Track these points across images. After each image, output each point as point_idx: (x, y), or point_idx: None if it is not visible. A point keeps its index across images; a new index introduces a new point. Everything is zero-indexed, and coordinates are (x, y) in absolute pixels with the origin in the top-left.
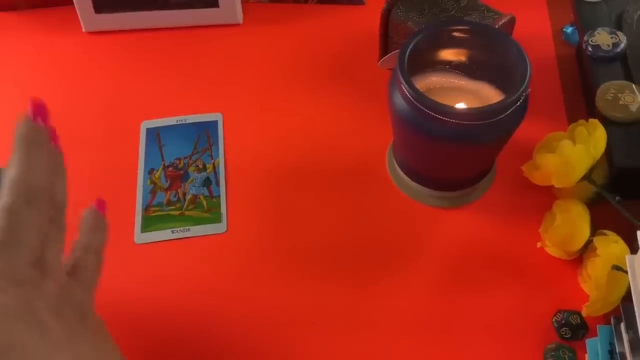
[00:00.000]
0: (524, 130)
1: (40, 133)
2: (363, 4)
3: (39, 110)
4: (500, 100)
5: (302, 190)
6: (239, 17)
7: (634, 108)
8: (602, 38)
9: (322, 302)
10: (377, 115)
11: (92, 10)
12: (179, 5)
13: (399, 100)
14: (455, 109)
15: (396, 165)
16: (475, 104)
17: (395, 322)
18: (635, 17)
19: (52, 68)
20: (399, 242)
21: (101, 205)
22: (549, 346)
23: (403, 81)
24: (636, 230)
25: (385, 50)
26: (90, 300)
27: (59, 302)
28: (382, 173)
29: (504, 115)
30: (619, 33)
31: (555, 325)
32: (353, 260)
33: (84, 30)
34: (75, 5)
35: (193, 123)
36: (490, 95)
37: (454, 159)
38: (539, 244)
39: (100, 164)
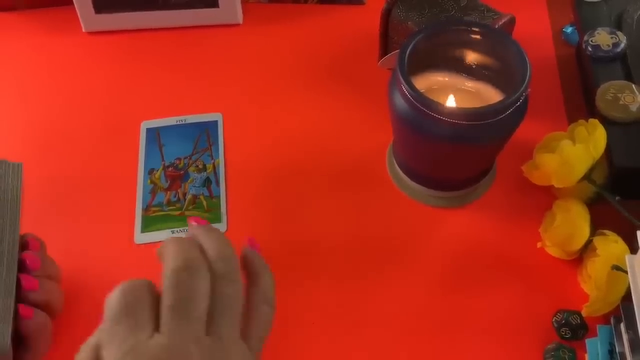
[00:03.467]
0: (524, 130)
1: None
2: (363, 4)
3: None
4: (500, 100)
5: (301, 190)
6: (239, 17)
7: (634, 108)
8: (602, 38)
9: (321, 301)
10: (377, 115)
11: (92, 10)
12: (179, 5)
13: (399, 100)
14: (456, 109)
15: (396, 165)
16: (476, 104)
17: (394, 321)
18: (635, 17)
19: (52, 68)
20: (399, 242)
21: (253, 243)
22: (549, 346)
23: (403, 81)
24: (636, 230)
25: (385, 50)
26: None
27: None
28: (382, 173)
29: (504, 115)
30: (619, 33)
31: (555, 325)
32: (352, 260)
33: (84, 30)
34: (75, 5)
35: (193, 123)
36: (490, 95)
37: (453, 159)
38: (539, 244)
39: (100, 164)
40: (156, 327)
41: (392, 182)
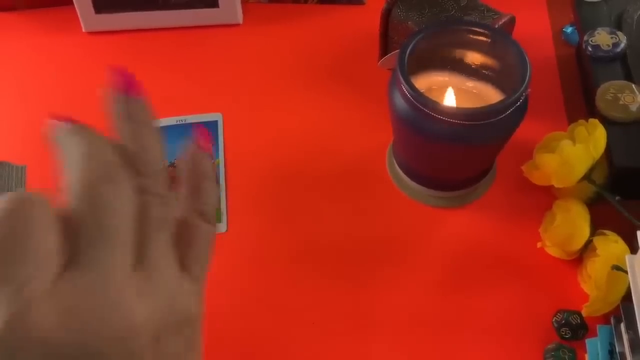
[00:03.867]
0: (524, 130)
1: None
2: (363, 4)
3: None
4: (500, 100)
5: (301, 190)
6: (239, 17)
7: (634, 108)
8: (602, 38)
9: (322, 301)
10: (377, 115)
11: (92, 10)
12: (179, 5)
13: (399, 100)
14: (456, 109)
15: (396, 165)
16: (476, 104)
17: (394, 321)
18: (635, 17)
19: (52, 68)
20: (399, 242)
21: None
22: (549, 346)
23: (403, 81)
24: (636, 230)
25: (385, 50)
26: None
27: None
28: (382, 173)
29: (504, 115)
30: (619, 33)
31: (555, 325)
32: (353, 260)
33: (84, 30)
34: (75, 5)
35: (193, 123)
36: (490, 95)
37: (453, 159)
38: (539, 244)
39: None
40: (67, 260)
41: (392, 182)
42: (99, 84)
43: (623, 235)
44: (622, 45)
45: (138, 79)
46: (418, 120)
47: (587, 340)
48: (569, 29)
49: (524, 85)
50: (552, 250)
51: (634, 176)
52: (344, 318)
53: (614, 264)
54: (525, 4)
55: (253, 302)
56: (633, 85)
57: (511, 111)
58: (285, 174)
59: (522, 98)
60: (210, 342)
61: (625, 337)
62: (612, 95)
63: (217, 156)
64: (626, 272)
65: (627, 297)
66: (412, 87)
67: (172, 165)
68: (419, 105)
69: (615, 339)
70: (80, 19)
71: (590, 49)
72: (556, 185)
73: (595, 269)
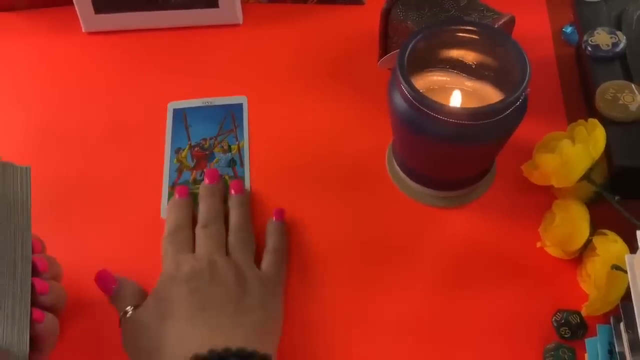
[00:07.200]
0: (524, 130)
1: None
2: (363, 4)
3: None
4: (500, 100)
5: (301, 189)
6: (239, 17)
7: (633, 108)
8: (602, 38)
9: (321, 301)
10: (377, 115)
11: (92, 10)
12: (179, 5)
13: (398, 100)
14: (455, 108)
15: (396, 165)
16: (476, 104)
17: (394, 321)
18: (635, 17)
19: (52, 68)
20: (399, 242)
21: (279, 214)
22: (548, 346)
23: (403, 81)
24: (636, 230)
25: (385, 50)
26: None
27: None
28: (382, 173)
29: (503, 115)
30: (619, 33)
31: (555, 325)
32: (352, 260)
33: (83, 30)
34: (75, 5)
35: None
36: (490, 95)
37: (453, 158)
38: (538, 244)
39: (99, 164)
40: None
41: (391, 182)
42: (99, 85)
43: (623, 235)
44: (622, 45)
45: (138, 79)
46: (418, 120)
47: (586, 340)
48: (569, 29)
49: (523, 85)
50: (552, 250)
51: (634, 176)
52: (343, 318)
53: (613, 263)
54: (525, 4)
55: None
56: (633, 85)
57: (511, 111)
58: (284, 174)
59: (522, 98)
60: None
61: (624, 336)
62: (611, 95)
63: (242, 138)
64: (626, 271)
65: (627, 297)
66: (412, 87)
67: (196, 145)
68: (418, 105)
69: (614, 339)
70: (80, 19)
71: (589, 48)
72: (556, 185)
73: (595, 268)
